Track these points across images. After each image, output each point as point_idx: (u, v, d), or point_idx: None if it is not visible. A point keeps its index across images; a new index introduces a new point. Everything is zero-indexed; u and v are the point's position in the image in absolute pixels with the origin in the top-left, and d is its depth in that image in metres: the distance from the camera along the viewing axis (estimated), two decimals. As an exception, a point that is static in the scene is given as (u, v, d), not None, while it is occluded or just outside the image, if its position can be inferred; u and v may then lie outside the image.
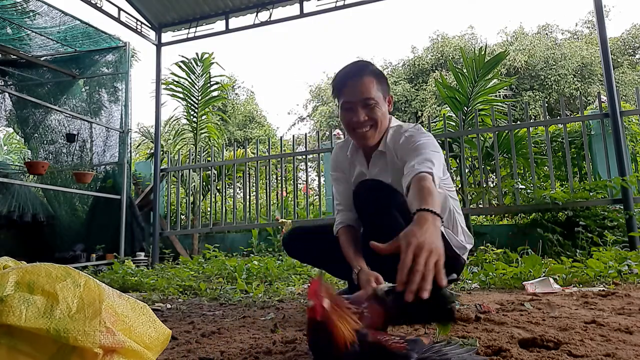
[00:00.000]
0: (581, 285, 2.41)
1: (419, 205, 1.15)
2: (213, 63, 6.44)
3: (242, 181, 6.84)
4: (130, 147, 5.76)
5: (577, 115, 4.27)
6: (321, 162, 5.67)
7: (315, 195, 7.18)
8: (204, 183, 6.19)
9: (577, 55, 19.45)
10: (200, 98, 6.47)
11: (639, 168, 5.08)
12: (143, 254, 5.17)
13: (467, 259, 1.82)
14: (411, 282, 0.89)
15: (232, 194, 5.50)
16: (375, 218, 1.58)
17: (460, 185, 4.44)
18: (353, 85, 1.65)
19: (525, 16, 42.17)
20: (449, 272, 1.75)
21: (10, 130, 6.99)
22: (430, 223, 1.06)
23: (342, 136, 6.72)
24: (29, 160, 5.01)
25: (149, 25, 5.41)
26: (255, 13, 5.07)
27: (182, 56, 6.29)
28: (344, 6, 4.73)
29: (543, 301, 1.91)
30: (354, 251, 1.59)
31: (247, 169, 5.87)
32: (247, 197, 5.77)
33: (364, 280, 1.45)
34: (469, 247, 1.75)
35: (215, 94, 6.83)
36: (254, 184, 5.43)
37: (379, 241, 1.30)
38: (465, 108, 4.86)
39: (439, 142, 4.40)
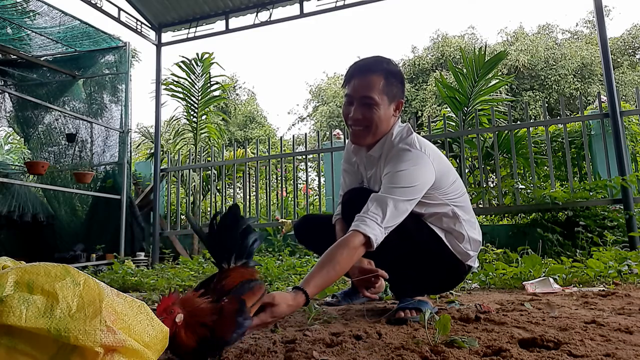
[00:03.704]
0: (581, 285, 2.41)
1: (307, 278, 1.31)
2: (213, 63, 6.44)
3: (242, 181, 6.84)
4: (130, 147, 5.75)
5: (577, 115, 4.27)
6: (321, 162, 5.67)
7: (315, 195, 7.18)
8: (204, 183, 6.19)
9: (577, 55, 19.46)
10: (200, 98, 6.47)
11: (639, 168, 5.08)
12: (143, 254, 5.16)
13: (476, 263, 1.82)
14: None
15: (232, 194, 5.50)
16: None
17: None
18: (358, 80, 1.61)
19: (525, 16, 42.28)
20: (448, 277, 1.77)
21: (10, 130, 6.99)
22: (295, 306, 1.23)
23: (342, 136, 6.72)
24: (29, 160, 5.01)
25: (149, 25, 5.41)
26: (255, 13, 5.07)
27: (182, 56, 6.30)
28: (344, 6, 4.73)
29: (543, 301, 1.91)
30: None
31: (247, 169, 5.87)
32: (247, 197, 5.77)
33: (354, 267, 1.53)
34: (474, 254, 1.73)
35: (216, 93, 6.82)
36: (254, 184, 5.43)
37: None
38: (465, 108, 4.86)
39: (438, 143, 4.43)
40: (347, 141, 2.01)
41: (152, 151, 5.97)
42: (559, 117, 4.14)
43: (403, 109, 1.80)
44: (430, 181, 1.56)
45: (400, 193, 1.46)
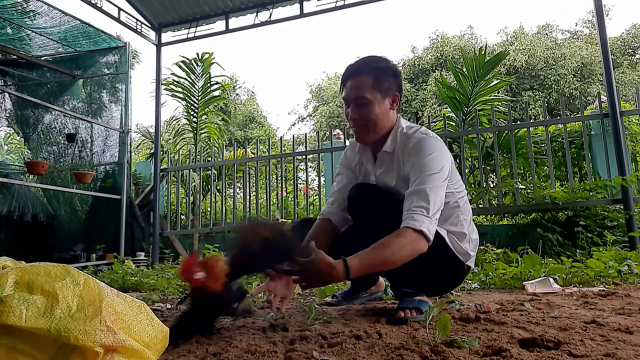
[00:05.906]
0: (581, 285, 2.41)
1: (359, 254, 1.41)
2: (213, 63, 6.44)
3: (242, 181, 6.84)
4: (130, 147, 5.75)
5: (577, 115, 4.27)
6: (321, 162, 5.67)
7: (315, 196, 7.18)
8: (204, 183, 6.19)
9: (577, 55, 19.45)
10: (200, 98, 6.47)
11: (639, 168, 5.08)
12: (143, 254, 5.16)
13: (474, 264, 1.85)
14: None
15: (232, 194, 5.49)
16: (366, 219, 1.66)
17: (460, 185, 4.43)
18: (350, 83, 1.69)
19: (525, 16, 42.26)
20: (448, 278, 1.77)
21: (10, 130, 6.99)
22: (333, 274, 1.36)
23: (342, 136, 6.71)
24: (29, 160, 5.01)
25: (149, 25, 5.41)
26: (255, 13, 5.07)
27: (182, 56, 6.30)
28: (344, 6, 4.73)
29: (543, 301, 1.91)
30: (307, 242, 1.62)
31: (247, 169, 5.87)
32: (247, 197, 5.77)
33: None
34: (473, 254, 1.76)
35: (216, 93, 6.83)
36: (254, 184, 5.43)
37: (369, 238, 1.47)
38: (465, 108, 4.86)
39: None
40: (346, 143, 2.05)
41: (152, 151, 5.97)
42: (559, 117, 4.13)
43: (403, 109, 1.84)
44: (449, 166, 1.63)
45: (434, 179, 1.53)
